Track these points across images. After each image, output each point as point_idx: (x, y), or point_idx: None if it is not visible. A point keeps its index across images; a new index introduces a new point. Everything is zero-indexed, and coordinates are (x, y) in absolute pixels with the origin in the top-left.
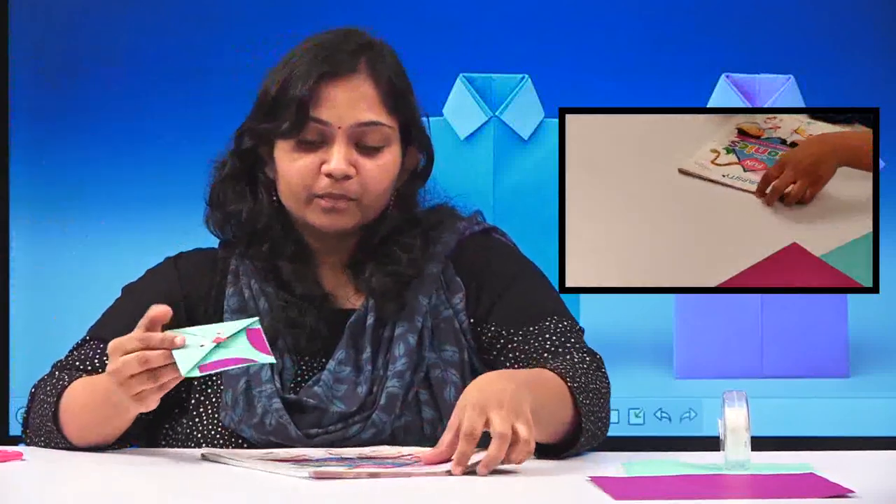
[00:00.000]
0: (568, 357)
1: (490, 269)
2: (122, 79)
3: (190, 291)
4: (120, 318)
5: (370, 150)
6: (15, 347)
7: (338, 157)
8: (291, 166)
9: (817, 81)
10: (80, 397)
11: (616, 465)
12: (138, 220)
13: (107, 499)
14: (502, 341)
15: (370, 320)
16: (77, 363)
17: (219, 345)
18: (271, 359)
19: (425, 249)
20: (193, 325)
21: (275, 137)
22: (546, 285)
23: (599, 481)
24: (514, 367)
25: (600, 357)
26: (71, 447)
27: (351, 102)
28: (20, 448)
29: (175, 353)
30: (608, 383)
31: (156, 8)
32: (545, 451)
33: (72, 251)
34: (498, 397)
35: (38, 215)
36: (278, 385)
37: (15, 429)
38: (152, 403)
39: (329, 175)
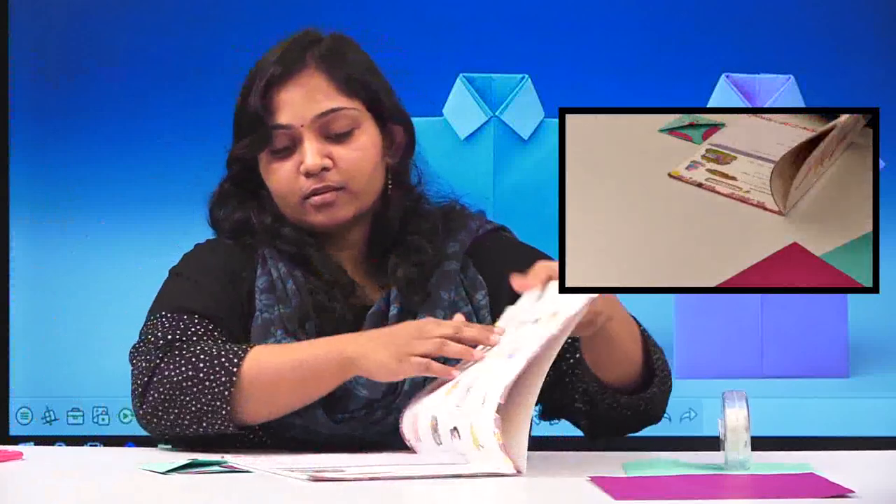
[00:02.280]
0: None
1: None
2: (122, 79)
3: (234, 267)
4: (189, 288)
5: (341, 137)
6: (15, 347)
7: (310, 154)
8: (274, 177)
9: (817, 81)
10: (275, 365)
11: (616, 465)
12: (138, 220)
13: (107, 499)
14: None
15: (392, 311)
16: (176, 337)
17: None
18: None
19: (446, 236)
20: (242, 299)
21: (248, 157)
22: None
23: (599, 481)
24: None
25: None
26: (233, 426)
27: (306, 97)
28: (20, 448)
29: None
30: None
31: (156, 8)
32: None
33: (72, 251)
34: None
35: (38, 215)
36: None
37: (15, 429)
38: (407, 372)
39: (307, 173)
